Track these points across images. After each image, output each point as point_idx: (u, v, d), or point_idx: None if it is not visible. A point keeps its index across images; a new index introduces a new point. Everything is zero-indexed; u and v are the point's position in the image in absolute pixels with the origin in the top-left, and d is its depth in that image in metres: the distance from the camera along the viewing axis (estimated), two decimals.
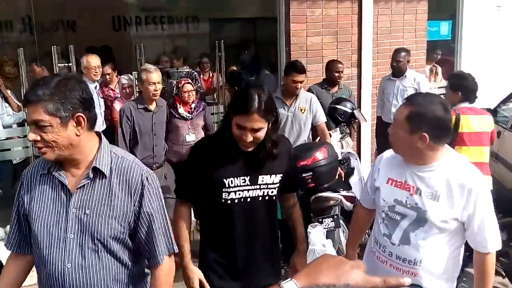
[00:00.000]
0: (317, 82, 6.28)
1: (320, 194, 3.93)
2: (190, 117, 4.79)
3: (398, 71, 5.67)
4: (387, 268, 2.25)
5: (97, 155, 1.85)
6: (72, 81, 1.80)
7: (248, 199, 2.36)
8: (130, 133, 4.25)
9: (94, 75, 4.90)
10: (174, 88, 4.91)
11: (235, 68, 5.97)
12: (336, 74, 5.45)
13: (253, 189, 2.35)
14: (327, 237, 3.68)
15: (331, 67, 5.50)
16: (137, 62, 5.38)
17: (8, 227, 4.14)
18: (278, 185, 2.40)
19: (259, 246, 2.45)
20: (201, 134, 4.80)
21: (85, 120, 1.78)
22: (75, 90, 1.76)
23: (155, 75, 4.24)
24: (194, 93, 4.80)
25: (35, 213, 1.83)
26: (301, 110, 4.50)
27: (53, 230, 1.80)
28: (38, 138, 1.72)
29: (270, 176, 2.37)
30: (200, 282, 2.38)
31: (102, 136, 1.93)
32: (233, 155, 2.30)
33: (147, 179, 1.87)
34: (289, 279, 0.88)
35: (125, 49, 7.73)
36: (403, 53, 5.66)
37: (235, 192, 2.33)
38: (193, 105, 4.78)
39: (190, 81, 4.91)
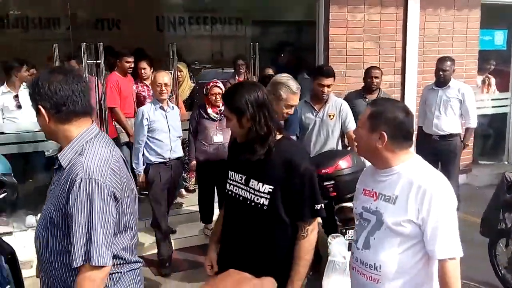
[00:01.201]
0: (356, 88, 6.23)
1: (344, 204, 3.86)
2: (218, 118, 4.89)
3: (442, 81, 5.49)
4: (356, 274, 2.28)
5: (65, 148, 1.95)
6: (50, 74, 1.94)
7: (241, 198, 2.40)
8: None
9: (160, 92, 4.42)
10: (204, 89, 5.03)
11: (270, 71, 5.97)
12: (370, 80, 5.33)
13: (245, 190, 2.38)
14: (349, 249, 3.62)
15: (367, 72, 5.40)
16: (169, 62, 5.48)
17: (39, 215, 4.44)
18: (268, 196, 2.30)
19: (246, 252, 2.39)
20: (229, 135, 4.82)
21: (45, 111, 1.91)
22: (47, 83, 1.90)
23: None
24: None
25: None
26: (330, 116, 4.43)
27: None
28: None
29: (258, 183, 2.33)
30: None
31: (85, 132, 1.96)
32: (241, 152, 2.38)
33: (80, 181, 1.83)
34: None
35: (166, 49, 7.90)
36: (448, 62, 5.47)
37: (233, 186, 2.44)
38: (222, 107, 4.81)
39: (219, 83, 4.98)
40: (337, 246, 3.55)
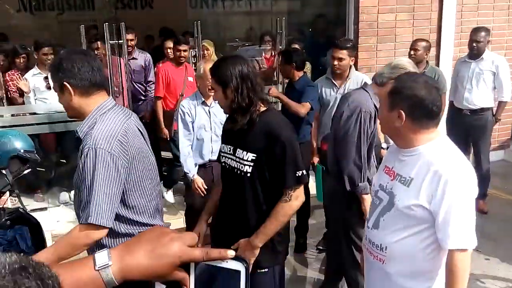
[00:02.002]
0: (388, 62, 6.15)
1: None
2: None
3: (475, 53, 5.32)
4: (366, 253, 2.30)
5: (82, 122, 2.21)
6: (69, 54, 2.24)
7: (230, 168, 2.58)
8: None
9: (210, 89, 3.68)
10: None
11: (296, 46, 5.98)
12: (413, 53, 5.22)
13: (232, 159, 2.56)
14: None
15: (411, 45, 5.28)
16: (194, 40, 5.58)
17: (72, 192, 4.75)
18: (252, 164, 2.46)
19: (237, 220, 2.57)
20: None
21: (70, 87, 2.14)
22: (70, 61, 2.16)
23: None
24: None
25: None
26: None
27: None
28: None
29: (242, 151, 2.50)
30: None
31: (101, 105, 2.22)
32: (230, 125, 2.58)
33: (88, 150, 2.07)
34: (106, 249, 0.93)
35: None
36: (483, 33, 5.30)
37: (225, 157, 2.62)
38: None
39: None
40: None
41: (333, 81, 4.49)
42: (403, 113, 2.03)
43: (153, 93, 5.71)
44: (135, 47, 5.93)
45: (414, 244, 2.08)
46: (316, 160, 4.50)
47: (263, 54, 6.48)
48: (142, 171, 2.27)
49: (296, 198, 2.46)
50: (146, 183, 2.30)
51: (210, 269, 0.94)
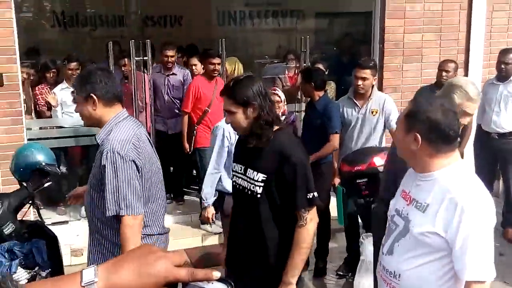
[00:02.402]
0: (414, 82, 6.10)
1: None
2: None
3: (503, 75, 5.23)
4: (380, 280, 2.25)
5: (101, 130, 2.54)
6: (94, 69, 2.65)
7: (241, 187, 2.58)
8: None
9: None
10: None
11: (320, 66, 6.00)
12: (440, 73, 5.18)
13: (243, 179, 2.56)
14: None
15: (439, 66, 5.26)
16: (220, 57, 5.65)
17: None
18: (262, 185, 2.45)
19: (247, 242, 2.57)
20: None
21: (96, 98, 2.48)
22: (96, 75, 2.51)
23: None
24: (282, 104, 4.65)
25: None
26: (372, 112, 4.40)
27: None
28: None
29: (253, 171, 2.49)
30: None
31: (117, 115, 2.55)
32: (242, 144, 2.60)
33: (107, 154, 2.42)
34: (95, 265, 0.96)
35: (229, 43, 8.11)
36: (511, 55, 5.23)
37: (236, 177, 2.63)
38: (282, 117, 4.58)
39: (278, 91, 4.81)
40: (369, 245, 3.56)
41: (355, 101, 4.49)
42: (419, 136, 2.00)
43: None
44: (175, 63, 5.92)
45: (429, 272, 2.03)
46: (337, 181, 4.46)
47: (287, 72, 6.50)
48: (152, 174, 2.58)
49: (311, 220, 2.45)
50: (154, 185, 2.61)
51: None
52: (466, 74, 6.41)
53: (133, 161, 2.44)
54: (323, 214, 4.63)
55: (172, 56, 5.71)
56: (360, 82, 4.36)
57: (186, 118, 5.48)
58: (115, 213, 2.42)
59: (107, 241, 2.57)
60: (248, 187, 2.52)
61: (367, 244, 3.65)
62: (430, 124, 1.99)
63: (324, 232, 4.70)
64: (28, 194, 3.17)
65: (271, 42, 9.90)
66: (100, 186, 2.47)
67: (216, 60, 5.29)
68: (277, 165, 2.42)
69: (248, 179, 2.52)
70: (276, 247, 2.49)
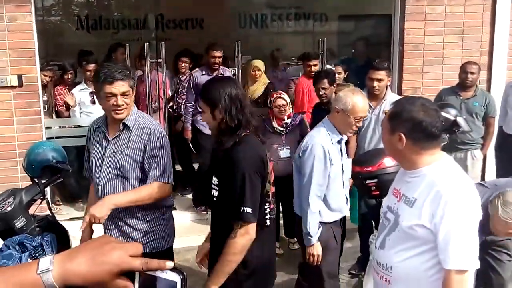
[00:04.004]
0: (434, 85, 6.05)
1: None
2: (284, 132, 4.73)
3: None
4: (374, 273, 2.33)
5: (128, 116, 2.84)
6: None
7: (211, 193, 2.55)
8: None
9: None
10: (268, 101, 4.88)
11: (340, 69, 6.02)
12: (465, 76, 5.15)
13: (212, 184, 2.53)
14: None
15: (462, 67, 5.23)
16: (235, 60, 5.71)
17: None
18: (217, 188, 2.45)
19: (216, 246, 2.53)
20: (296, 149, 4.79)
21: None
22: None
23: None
24: (287, 108, 4.69)
25: (91, 151, 3.04)
26: (385, 113, 4.37)
27: (97, 162, 2.96)
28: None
29: (213, 176, 2.50)
30: None
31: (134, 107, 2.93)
32: (217, 146, 2.56)
33: (152, 132, 2.81)
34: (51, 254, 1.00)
35: (250, 45, 8.19)
36: None
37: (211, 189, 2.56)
38: (288, 120, 4.73)
39: (283, 94, 4.81)
40: None
41: (369, 102, 4.48)
42: (403, 136, 2.09)
43: None
44: (220, 64, 5.84)
45: (418, 265, 2.11)
46: (351, 181, 4.46)
47: (300, 74, 6.52)
48: None
49: (242, 235, 2.32)
50: None
51: (152, 279, 0.99)
52: (489, 77, 6.33)
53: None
54: None
55: (219, 57, 5.65)
56: (375, 84, 4.38)
57: (305, 117, 5.23)
58: (159, 179, 2.78)
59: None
60: (213, 192, 2.51)
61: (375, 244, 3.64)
62: (413, 123, 2.07)
63: None
64: (39, 190, 3.27)
65: (292, 45, 9.96)
66: (141, 165, 2.82)
67: (218, 53, 5.45)
68: (227, 170, 2.38)
69: (213, 184, 2.51)
70: None
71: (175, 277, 0.97)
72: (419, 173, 2.12)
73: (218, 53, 5.56)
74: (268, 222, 2.45)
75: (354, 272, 4.61)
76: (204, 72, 5.62)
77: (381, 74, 4.38)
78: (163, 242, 2.99)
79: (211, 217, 2.66)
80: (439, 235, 1.99)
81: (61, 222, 5.02)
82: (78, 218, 5.31)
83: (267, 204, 2.45)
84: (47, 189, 5.06)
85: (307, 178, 3.25)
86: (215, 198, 2.48)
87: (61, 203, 5.91)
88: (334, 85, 4.86)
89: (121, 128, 2.85)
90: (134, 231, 2.94)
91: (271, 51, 7.70)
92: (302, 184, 3.30)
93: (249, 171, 2.33)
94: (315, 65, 5.55)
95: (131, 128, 2.84)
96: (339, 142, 3.35)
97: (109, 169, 2.91)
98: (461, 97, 5.08)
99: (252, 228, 2.34)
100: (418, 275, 2.11)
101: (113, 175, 2.90)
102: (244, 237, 2.33)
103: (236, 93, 2.42)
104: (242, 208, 2.30)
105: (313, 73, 5.37)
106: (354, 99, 3.23)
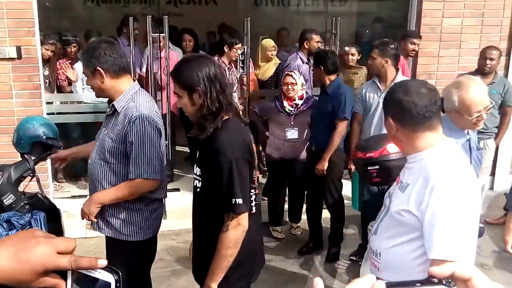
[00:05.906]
0: (450, 69, 5.86)
1: None
2: (294, 113, 4.65)
3: None
4: (368, 259, 2.31)
5: (118, 98, 2.68)
6: (100, 43, 2.72)
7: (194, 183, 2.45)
8: None
9: None
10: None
11: (353, 50, 5.84)
12: (483, 62, 4.96)
13: (194, 174, 2.41)
14: None
15: (482, 53, 5.04)
16: (243, 37, 5.55)
17: None
18: (200, 179, 2.33)
19: (199, 240, 2.48)
20: (306, 132, 4.71)
21: (103, 71, 2.61)
22: (102, 49, 2.64)
23: None
24: (297, 87, 4.58)
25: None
26: None
27: (96, 139, 2.90)
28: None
29: (196, 166, 2.37)
30: None
31: (132, 85, 2.73)
32: (198, 134, 2.40)
33: (135, 120, 2.59)
34: None
35: (264, 24, 8.02)
36: None
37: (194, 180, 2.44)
38: (299, 101, 4.63)
39: (294, 72, 4.71)
40: None
41: (379, 84, 4.34)
42: (391, 120, 2.04)
43: None
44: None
45: (405, 253, 2.04)
46: (353, 167, 4.36)
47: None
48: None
49: (234, 227, 2.21)
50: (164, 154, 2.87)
51: (87, 278, 0.89)
52: (508, 63, 6.12)
53: (159, 128, 2.67)
54: (337, 200, 4.61)
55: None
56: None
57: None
58: (138, 176, 2.60)
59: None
60: (195, 183, 2.38)
61: None
62: (396, 105, 2.03)
63: (338, 217, 4.67)
64: (28, 167, 3.22)
65: (309, 24, 9.75)
66: (123, 151, 2.66)
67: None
68: (210, 159, 2.22)
69: (195, 174, 2.38)
70: (214, 243, 2.31)
71: (109, 277, 0.88)
72: (415, 158, 2.05)
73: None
74: (254, 210, 2.33)
75: (354, 258, 4.57)
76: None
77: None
78: (141, 233, 2.84)
79: (192, 209, 2.49)
80: (425, 222, 1.91)
81: (61, 200, 5.10)
82: (80, 196, 5.30)
83: (252, 190, 2.31)
84: (49, 166, 5.09)
85: None
86: (198, 189, 2.34)
87: (64, 180, 5.90)
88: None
89: (111, 110, 2.74)
90: (113, 218, 2.83)
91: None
92: None
93: (236, 158, 2.17)
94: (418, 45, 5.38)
95: (119, 112, 2.68)
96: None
97: (98, 149, 2.83)
98: None
99: (244, 218, 2.23)
100: (406, 264, 2.03)
101: (98, 158, 2.81)
102: (237, 229, 2.22)
103: (215, 73, 2.24)
104: (234, 200, 2.17)
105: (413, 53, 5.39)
106: (463, 93, 2.74)
